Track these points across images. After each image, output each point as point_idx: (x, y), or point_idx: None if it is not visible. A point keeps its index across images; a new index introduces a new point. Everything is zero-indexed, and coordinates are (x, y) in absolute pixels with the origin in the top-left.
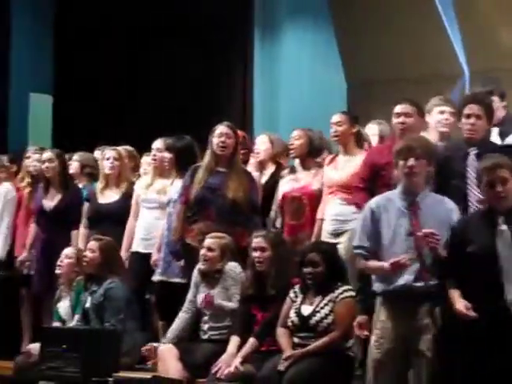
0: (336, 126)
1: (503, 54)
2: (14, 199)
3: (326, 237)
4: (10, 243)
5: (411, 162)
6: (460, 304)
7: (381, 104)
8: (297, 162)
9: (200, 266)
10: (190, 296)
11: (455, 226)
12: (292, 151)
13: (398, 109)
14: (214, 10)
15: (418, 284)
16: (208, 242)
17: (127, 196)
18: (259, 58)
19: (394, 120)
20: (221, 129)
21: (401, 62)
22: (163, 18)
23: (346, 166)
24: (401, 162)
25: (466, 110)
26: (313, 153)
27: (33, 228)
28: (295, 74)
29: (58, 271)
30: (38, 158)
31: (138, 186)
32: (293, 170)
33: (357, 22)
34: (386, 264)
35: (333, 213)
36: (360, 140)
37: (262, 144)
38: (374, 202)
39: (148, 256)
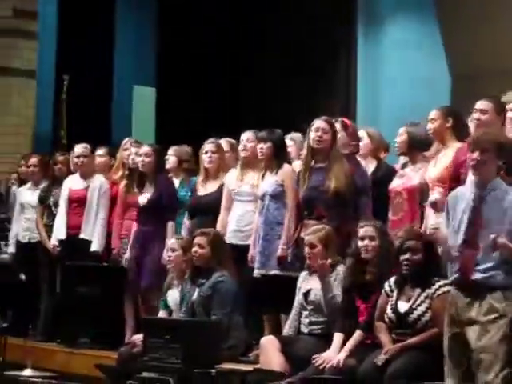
0: (430, 122)
1: None
2: (107, 192)
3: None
4: (105, 236)
5: (476, 154)
6: None
7: (485, 96)
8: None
9: (308, 263)
10: (296, 300)
11: None
12: (397, 148)
13: (476, 105)
14: (317, 2)
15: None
16: (309, 238)
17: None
18: (363, 50)
19: (473, 116)
20: (318, 124)
21: (506, 54)
22: (266, 8)
23: (441, 161)
24: (468, 155)
25: None
26: (417, 148)
27: (133, 224)
28: (399, 66)
29: (168, 265)
30: (136, 152)
31: (229, 178)
32: (404, 166)
33: (462, 14)
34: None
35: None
36: (461, 132)
37: (360, 139)
38: (450, 195)
39: (241, 248)
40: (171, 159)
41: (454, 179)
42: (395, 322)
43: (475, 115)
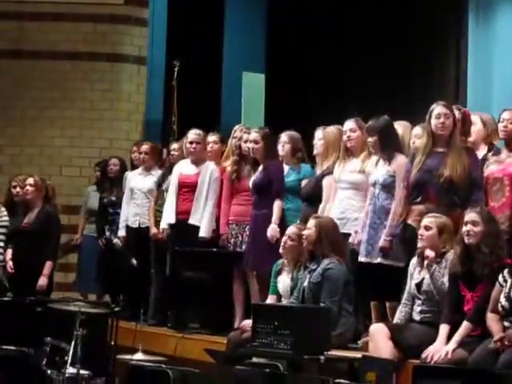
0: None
1: None
2: (218, 179)
3: None
4: (215, 222)
5: None
6: None
7: None
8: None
9: (418, 245)
10: (407, 288)
11: None
12: (504, 134)
13: None
14: None
15: None
16: (425, 220)
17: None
18: (474, 36)
19: None
20: (439, 109)
21: None
22: None
23: None
24: None
25: None
26: None
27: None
28: (510, 52)
29: (281, 251)
30: (246, 138)
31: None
32: (497, 152)
33: None
34: None
35: None
36: None
37: (473, 125)
38: None
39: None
40: (286, 147)
41: None
42: (508, 310)
43: None
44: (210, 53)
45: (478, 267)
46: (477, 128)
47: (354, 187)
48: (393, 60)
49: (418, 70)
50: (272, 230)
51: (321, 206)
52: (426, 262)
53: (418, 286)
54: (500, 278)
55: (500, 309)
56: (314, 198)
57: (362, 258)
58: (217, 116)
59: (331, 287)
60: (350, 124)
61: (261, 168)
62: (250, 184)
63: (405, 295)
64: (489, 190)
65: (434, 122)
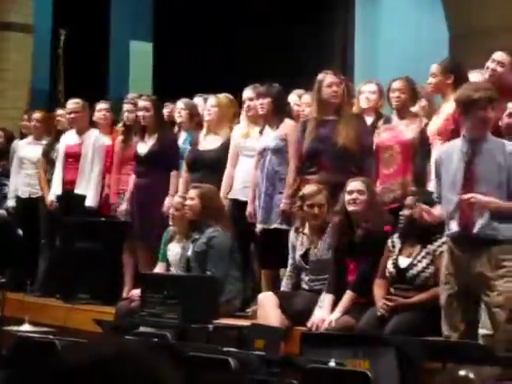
0: (430, 77)
1: None
2: (102, 146)
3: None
4: (100, 191)
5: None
6: None
7: (484, 53)
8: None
9: (311, 222)
10: (292, 259)
11: None
12: (397, 103)
13: (495, 56)
14: None
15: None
16: (315, 199)
17: (227, 144)
18: (361, 6)
19: (489, 65)
20: (330, 78)
21: (505, 11)
22: None
23: (443, 113)
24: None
25: None
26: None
27: (131, 177)
28: (398, 23)
29: (170, 222)
30: (129, 108)
31: (236, 134)
32: (388, 120)
33: None
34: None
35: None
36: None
37: (369, 92)
38: (439, 149)
39: (247, 204)
40: (183, 113)
41: (455, 132)
42: (395, 277)
43: (492, 65)
44: (96, 21)
45: (359, 236)
46: (373, 96)
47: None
48: (281, 29)
49: (305, 39)
50: (169, 201)
51: (226, 174)
52: (311, 232)
53: (304, 256)
54: (389, 243)
55: (388, 275)
56: (203, 166)
57: (258, 225)
58: (105, 85)
59: (216, 255)
60: (248, 93)
61: (155, 137)
62: (141, 153)
63: (291, 265)
64: (380, 157)
65: (326, 90)
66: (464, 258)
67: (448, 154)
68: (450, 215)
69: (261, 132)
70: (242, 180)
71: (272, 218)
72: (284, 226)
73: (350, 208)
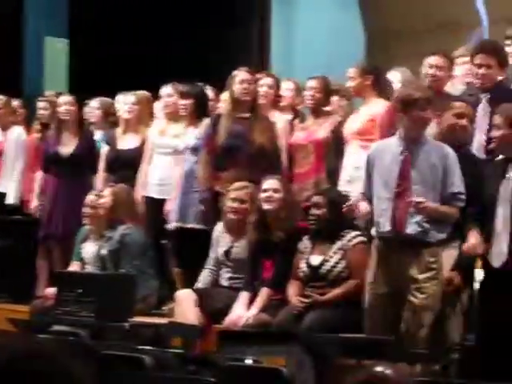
0: (349, 80)
1: None
2: (24, 143)
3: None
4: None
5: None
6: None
7: (400, 52)
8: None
9: (230, 217)
10: (213, 254)
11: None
12: (311, 102)
13: (430, 60)
14: None
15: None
16: (238, 194)
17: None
18: (278, 5)
19: (426, 71)
20: (242, 75)
21: (420, 11)
22: None
23: (363, 114)
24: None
25: (477, 60)
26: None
27: (40, 175)
28: (313, 21)
29: (84, 221)
30: (45, 106)
31: (152, 131)
32: (302, 119)
33: None
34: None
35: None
36: (382, 88)
37: (287, 90)
38: (372, 148)
39: (162, 202)
40: (96, 112)
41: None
42: (309, 276)
43: (431, 71)
44: (10, 17)
45: (274, 234)
46: (290, 94)
47: (173, 152)
48: (202, 29)
49: (222, 36)
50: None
51: (140, 172)
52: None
53: (227, 252)
54: (300, 245)
55: (301, 274)
56: (121, 166)
57: (174, 223)
58: (18, 82)
59: (130, 253)
60: (167, 90)
61: (75, 137)
62: (63, 153)
63: (211, 261)
64: (294, 156)
65: (237, 87)
66: (393, 258)
67: (381, 152)
68: (380, 213)
69: (181, 133)
70: (157, 177)
71: (189, 217)
72: (200, 226)
73: (266, 206)
